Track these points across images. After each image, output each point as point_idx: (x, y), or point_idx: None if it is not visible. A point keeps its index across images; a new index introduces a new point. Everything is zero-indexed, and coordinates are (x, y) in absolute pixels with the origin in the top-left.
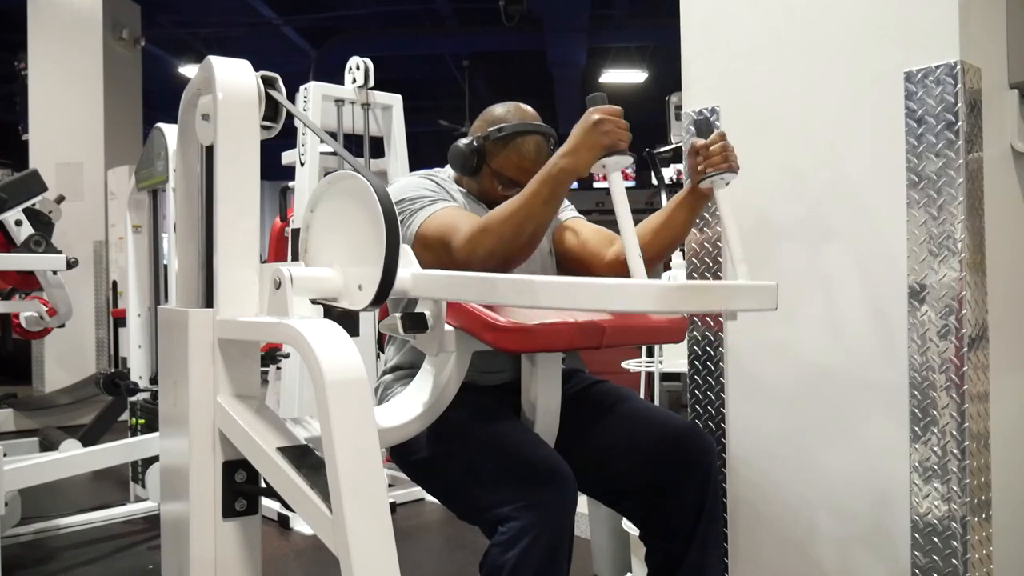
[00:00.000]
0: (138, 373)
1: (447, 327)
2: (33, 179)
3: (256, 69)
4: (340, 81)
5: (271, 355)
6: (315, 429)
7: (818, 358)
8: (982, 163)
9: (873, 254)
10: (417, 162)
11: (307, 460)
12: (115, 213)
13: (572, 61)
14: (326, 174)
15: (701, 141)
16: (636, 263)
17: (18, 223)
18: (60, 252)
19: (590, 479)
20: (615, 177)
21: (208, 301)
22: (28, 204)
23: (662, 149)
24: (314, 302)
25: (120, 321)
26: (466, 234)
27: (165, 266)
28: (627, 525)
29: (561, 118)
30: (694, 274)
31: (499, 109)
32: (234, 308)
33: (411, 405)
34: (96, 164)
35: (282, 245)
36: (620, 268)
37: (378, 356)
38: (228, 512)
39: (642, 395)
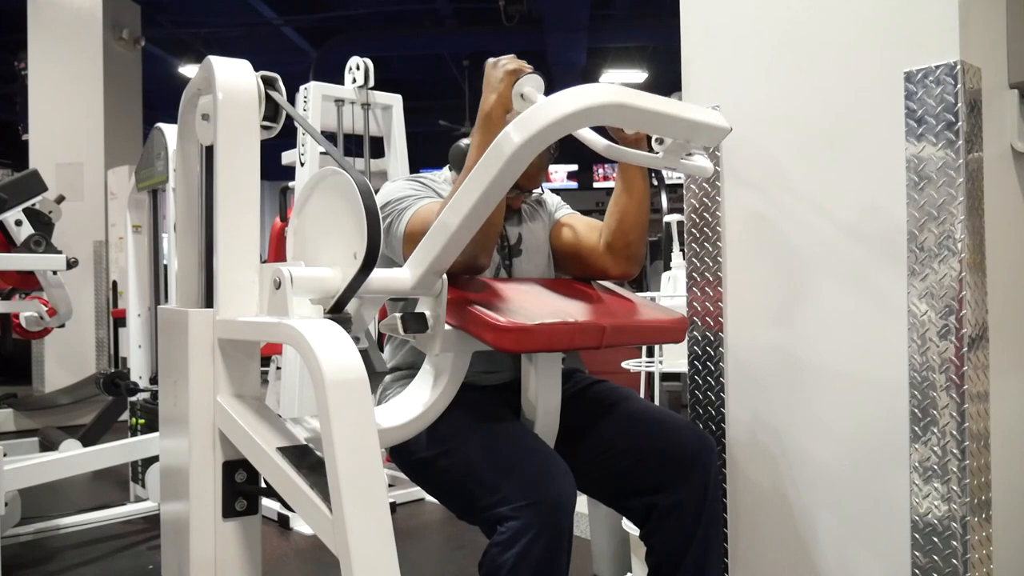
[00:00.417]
0: (138, 373)
1: (447, 327)
2: (33, 179)
3: (256, 69)
4: (340, 81)
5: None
6: (315, 429)
7: (818, 358)
8: (982, 163)
9: (873, 254)
10: (417, 162)
11: (307, 460)
12: (115, 213)
13: (572, 61)
14: None
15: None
16: None
17: (18, 223)
18: (60, 252)
19: (590, 479)
20: (542, 100)
21: (208, 301)
22: (28, 204)
23: None
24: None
25: (120, 321)
26: None
27: (165, 266)
28: (627, 525)
29: None
30: (694, 274)
31: None
32: (234, 308)
33: (411, 405)
34: (96, 164)
35: (282, 245)
36: (609, 252)
37: None
38: (228, 512)
39: (642, 395)
